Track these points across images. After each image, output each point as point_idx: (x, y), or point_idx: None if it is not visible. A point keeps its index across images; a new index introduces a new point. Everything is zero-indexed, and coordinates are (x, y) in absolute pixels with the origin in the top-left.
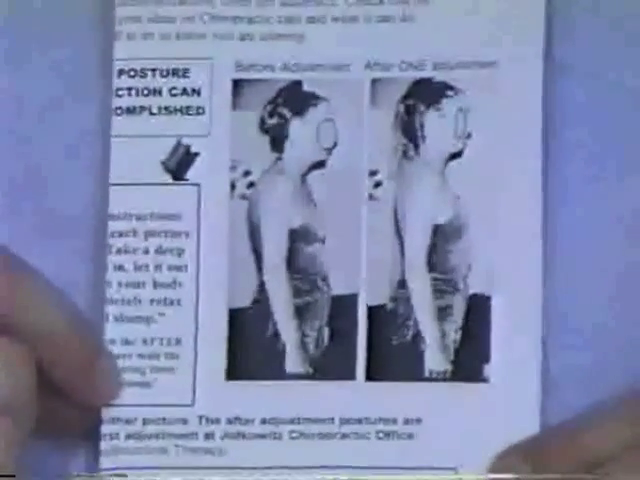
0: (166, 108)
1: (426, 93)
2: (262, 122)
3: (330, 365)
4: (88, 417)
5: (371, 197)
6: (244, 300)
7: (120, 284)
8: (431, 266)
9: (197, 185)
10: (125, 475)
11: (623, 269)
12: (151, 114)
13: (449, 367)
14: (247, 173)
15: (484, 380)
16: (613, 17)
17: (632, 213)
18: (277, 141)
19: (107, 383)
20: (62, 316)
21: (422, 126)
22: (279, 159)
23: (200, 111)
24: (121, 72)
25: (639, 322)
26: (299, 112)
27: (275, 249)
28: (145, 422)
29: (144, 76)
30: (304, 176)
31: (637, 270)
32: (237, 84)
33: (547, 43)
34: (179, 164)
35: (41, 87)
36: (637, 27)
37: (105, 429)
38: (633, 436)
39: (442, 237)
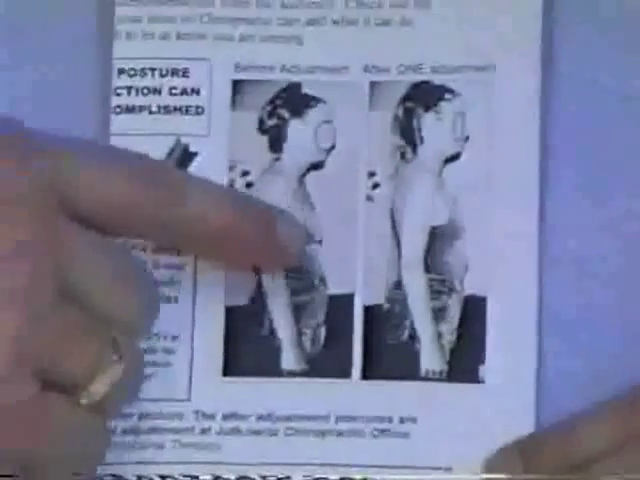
0: (165, 107)
1: (424, 96)
2: (261, 123)
3: (326, 363)
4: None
5: (369, 198)
6: (241, 298)
7: None
8: (427, 267)
9: None
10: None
11: (619, 274)
12: (150, 113)
13: (444, 367)
14: (245, 173)
15: (479, 381)
16: (611, 23)
17: (627, 217)
18: (276, 142)
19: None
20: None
21: (420, 129)
22: (277, 159)
23: (199, 111)
24: (120, 71)
25: (635, 326)
26: (298, 113)
27: None
28: (141, 417)
29: (144, 75)
30: (302, 177)
31: (632, 275)
32: (236, 84)
33: (544, 47)
34: (178, 163)
35: (39, 86)
36: (635, 33)
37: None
38: (620, 434)
39: (439, 238)
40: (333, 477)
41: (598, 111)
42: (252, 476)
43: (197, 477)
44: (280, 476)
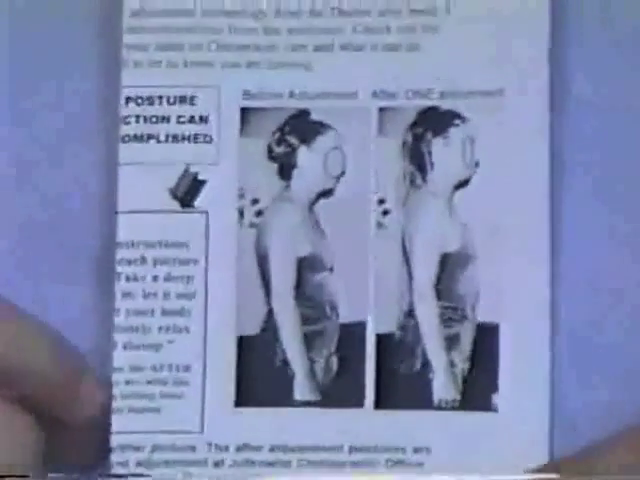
0: (174, 136)
1: (433, 121)
2: (270, 150)
3: (339, 393)
4: (93, 443)
5: (379, 225)
6: (253, 328)
7: (129, 312)
8: (439, 294)
9: (205, 213)
10: None
11: (637, 296)
12: (159, 142)
13: (457, 396)
14: (255, 201)
15: (493, 409)
16: (624, 43)
17: None
18: (285, 169)
19: (91, 400)
20: (51, 360)
21: (430, 154)
22: (287, 187)
23: (208, 139)
24: (128, 99)
25: None
26: (307, 140)
27: (283, 277)
28: (154, 449)
29: (151, 104)
30: (312, 204)
31: None
32: (245, 112)
33: (555, 70)
34: (187, 192)
35: (48, 116)
36: None
37: (115, 457)
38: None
39: (450, 265)
40: None
41: (610, 135)
42: None
43: None
44: None
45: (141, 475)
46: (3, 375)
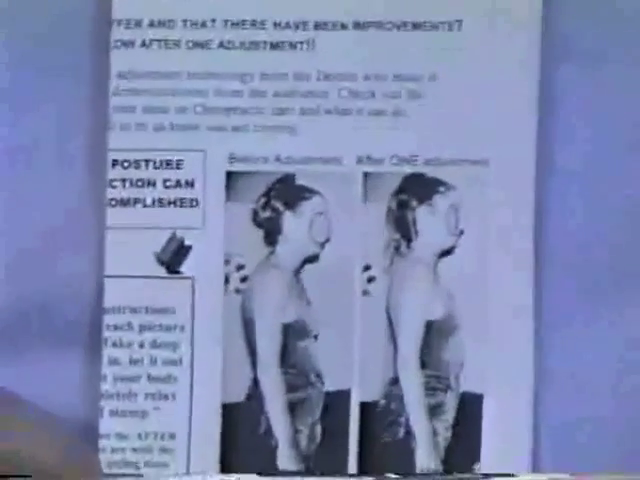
0: (160, 200)
1: (418, 188)
2: (255, 215)
3: (322, 462)
4: None
5: (365, 293)
6: (238, 395)
7: (115, 378)
8: (424, 363)
9: (191, 278)
10: None
11: (618, 368)
12: (145, 206)
13: (439, 465)
14: (241, 267)
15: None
16: (608, 117)
17: (623, 320)
18: (270, 235)
19: None
20: (59, 455)
21: (414, 221)
22: (272, 253)
23: (194, 203)
24: (115, 163)
25: (635, 420)
26: (292, 205)
27: (269, 344)
28: None
29: (138, 167)
30: (297, 270)
31: (633, 368)
32: (231, 176)
33: (540, 142)
34: (173, 257)
35: (32, 179)
36: (634, 131)
37: None
38: None
39: (435, 334)
40: None
41: (596, 208)
42: None
43: None
44: None
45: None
46: (15, 469)
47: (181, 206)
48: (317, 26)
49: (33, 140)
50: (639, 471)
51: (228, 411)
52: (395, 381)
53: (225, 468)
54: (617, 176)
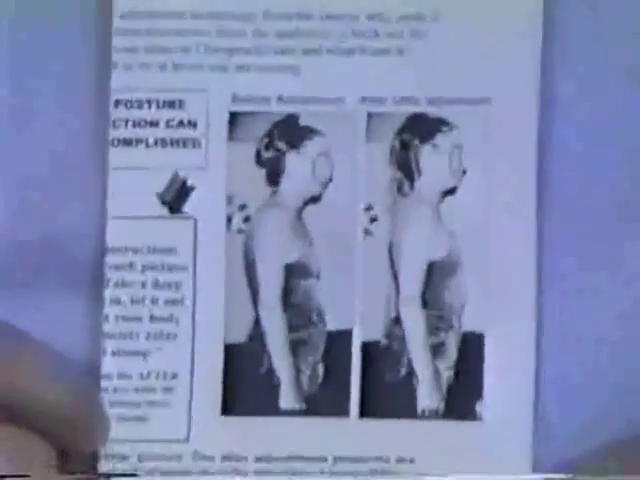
0: (162, 140)
1: (421, 128)
2: (258, 155)
3: (324, 402)
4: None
5: (367, 232)
6: (240, 335)
7: (117, 318)
8: (425, 303)
9: (193, 218)
10: None
11: (623, 308)
12: (147, 146)
13: (441, 405)
14: (243, 207)
15: (476, 418)
16: (613, 51)
17: (628, 253)
18: (273, 174)
19: (98, 432)
20: (62, 391)
21: (417, 161)
22: (275, 193)
23: (196, 143)
24: (118, 103)
25: (638, 367)
26: (295, 145)
27: (271, 284)
28: (140, 458)
29: (141, 107)
30: (300, 210)
31: (633, 303)
32: (233, 116)
33: (543, 80)
34: (176, 197)
35: (36, 120)
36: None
37: (102, 466)
38: None
39: (437, 274)
40: None
41: (600, 140)
42: None
43: None
44: None
45: (131, 475)
46: (25, 410)
47: (184, 146)
48: None
49: (35, 83)
50: (638, 413)
51: (230, 351)
52: (397, 321)
53: (227, 408)
54: (619, 108)
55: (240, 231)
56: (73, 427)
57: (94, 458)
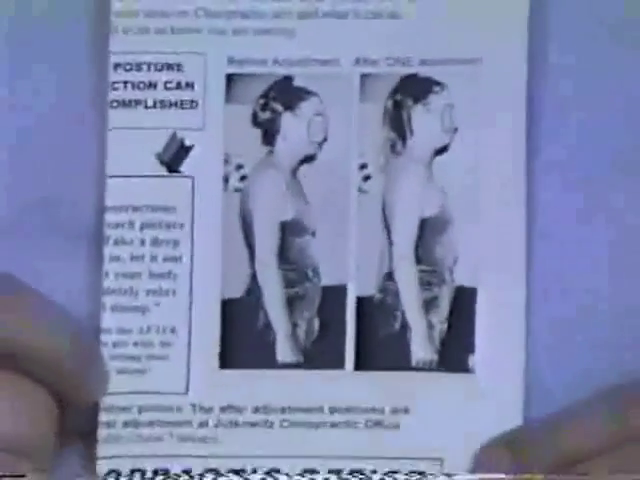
0: (161, 102)
1: (413, 88)
2: (254, 116)
3: (320, 355)
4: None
5: (360, 190)
6: (237, 291)
7: (117, 275)
8: (418, 258)
9: (191, 178)
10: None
11: (611, 261)
12: (146, 107)
13: (435, 357)
14: (240, 166)
15: (469, 370)
16: (601, 15)
17: (624, 209)
18: (269, 135)
19: (97, 383)
20: (62, 341)
21: (410, 121)
22: (271, 152)
23: (194, 105)
24: (117, 65)
25: (626, 318)
26: (290, 106)
27: (267, 241)
28: (140, 410)
29: (139, 70)
30: (295, 170)
31: (622, 268)
32: (230, 78)
33: (534, 39)
34: (174, 157)
35: (36, 81)
36: (622, 27)
37: (103, 417)
38: (612, 433)
39: (429, 230)
40: (323, 470)
41: (589, 102)
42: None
43: (190, 470)
44: (272, 467)
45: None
46: (26, 359)
47: (182, 107)
48: None
49: (34, 47)
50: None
51: (227, 306)
52: (390, 276)
53: (225, 361)
54: (611, 71)
55: (237, 190)
56: (72, 377)
57: (95, 410)
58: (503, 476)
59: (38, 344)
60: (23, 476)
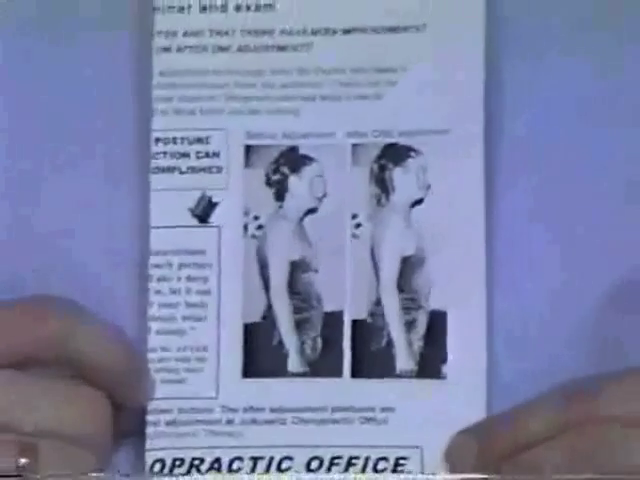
0: (192, 168)
1: (394, 155)
2: (268, 178)
3: (323, 366)
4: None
5: (353, 236)
6: (255, 316)
7: (159, 305)
8: (400, 288)
9: (218, 227)
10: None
11: (558, 287)
12: (181, 173)
13: (415, 367)
14: (256, 217)
15: (442, 377)
16: (561, 71)
17: (568, 237)
18: (279, 193)
19: (145, 389)
20: (112, 347)
21: (391, 180)
22: (281, 207)
23: (219, 170)
24: (157, 140)
25: (576, 331)
26: (296, 170)
27: (279, 277)
28: (179, 411)
29: (175, 143)
30: (301, 220)
31: (570, 286)
32: (248, 148)
33: (487, 112)
34: (203, 211)
35: (92, 163)
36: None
37: (150, 418)
38: (559, 420)
39: (408, 266)
40: (327, 457)
41: (541, 153)
42: (264, 456)
43: (219, 459)
44: (286, 455)
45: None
46: (86, 370)
47: (209, 172)
48: (315, 33)
49: (84, 125)
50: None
51: (248, 328)
52: (378, 302)
53: (247, 372)
54: (567, 140)
55: (254, 236)
56: (126, 384)
57: (142, 413)
58: (485, 476)
59: (100, 356)
60: (20, 476)
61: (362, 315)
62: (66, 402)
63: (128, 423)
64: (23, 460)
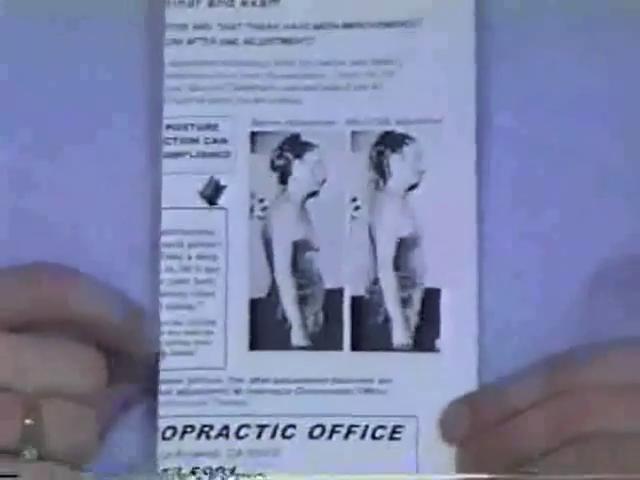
0: (202, 153)
1: (391, 142)
2: (272, 163)
3: (325, 339)
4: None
5: (352, 218)
6: (261, 292)
7: (171, 281)
8: (396, 267)
9: (225, 209)
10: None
11: (546, 265)
12: (191, 157)
13: (410, 341)
14: (262, 200)
15: (436, 350)
16: (545, 77)
17: (550, 220)
18: (283, 177)
19: (146, 338)
20: (108, 300)
21: (388, 166)
22: (285, 190)
23: (227, 155)
24: (169, 127)
25: (561, 314)
26: (299, 155)
27: (283, 256)
28: (190, 381)
29: (186, 129)
30: (303, 202)
31: (559, 264)
32: (254, 135)
33: (479, 105)
34: (212, 194)
35: (105, 146)
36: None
37: (162, 387)
38: (550, 388)
39: (404, 246)
40: (328, 425)
41: (538, 130)
42: (269, 424)
43: (228, 426)
44: (290, 423)
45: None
46: (86, 326)
47: (217, 157)
48: (317, 27)
49: (99, 114)
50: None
51: (254, 304)
52: (376, 281)
53: (253, 345)
54: (554, 134)
55: (260, 218)
56: (126, 333)
57: (154, 383)
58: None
59: (98, 309)
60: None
61: (361, 292)
62: (64, 361)
63: (132, 370)
64: (28, 421)
